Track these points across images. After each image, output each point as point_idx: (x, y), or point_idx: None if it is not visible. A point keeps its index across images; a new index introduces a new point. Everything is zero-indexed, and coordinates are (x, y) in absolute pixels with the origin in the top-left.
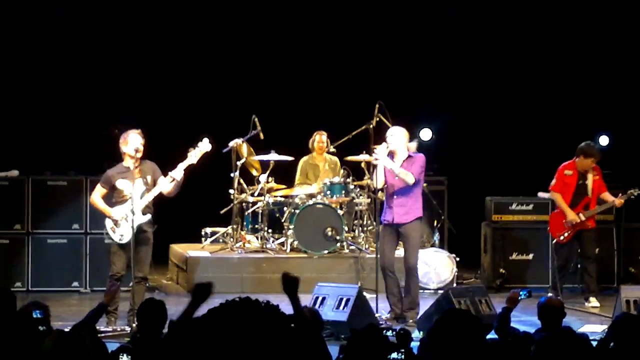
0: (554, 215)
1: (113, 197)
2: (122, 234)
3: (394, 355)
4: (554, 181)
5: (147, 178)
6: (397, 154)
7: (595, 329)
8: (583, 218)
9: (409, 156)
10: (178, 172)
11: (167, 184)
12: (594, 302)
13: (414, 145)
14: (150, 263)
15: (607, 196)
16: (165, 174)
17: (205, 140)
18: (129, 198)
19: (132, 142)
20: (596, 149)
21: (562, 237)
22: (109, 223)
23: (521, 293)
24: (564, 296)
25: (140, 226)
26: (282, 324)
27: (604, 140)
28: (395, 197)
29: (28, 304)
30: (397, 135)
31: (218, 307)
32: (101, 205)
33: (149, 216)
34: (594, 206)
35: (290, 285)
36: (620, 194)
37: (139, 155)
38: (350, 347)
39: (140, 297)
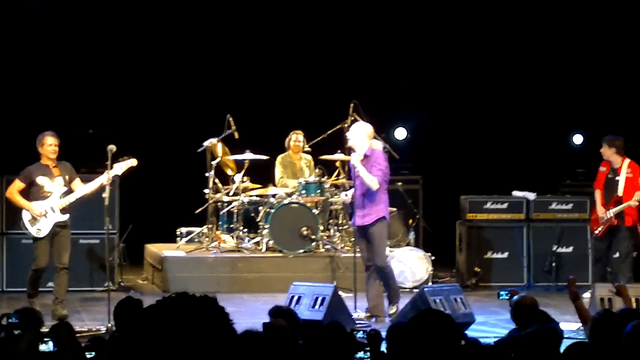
0: (593, 210)
1: (31, 193)
2: (39, 228)
3: (360, 354)
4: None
5: (65, 178)
6: (356, 151)
7: (570, 327)
8: (610, 215)
9: (366, 155)
10: (107, 180)
11: (85, 189)
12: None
13: (379, 143)
14: (70, 253)
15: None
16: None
17: (132, 159)
18: (48, 195)
19: (47, 143)
20: (613, 137)
21: (596, 232)
22: (26, 216)
23: (501, 293)
24: (538, 295)
25: (59, 222)
26: (218, 316)
27: (578, 139)
28: (356, 200)
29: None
30: (356, 132)
31: (155, 304)
32: (20, 200)
33: (67, 215)
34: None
35: None
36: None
37: (55, 155)
38: (314, 343)
39: (64, 287)
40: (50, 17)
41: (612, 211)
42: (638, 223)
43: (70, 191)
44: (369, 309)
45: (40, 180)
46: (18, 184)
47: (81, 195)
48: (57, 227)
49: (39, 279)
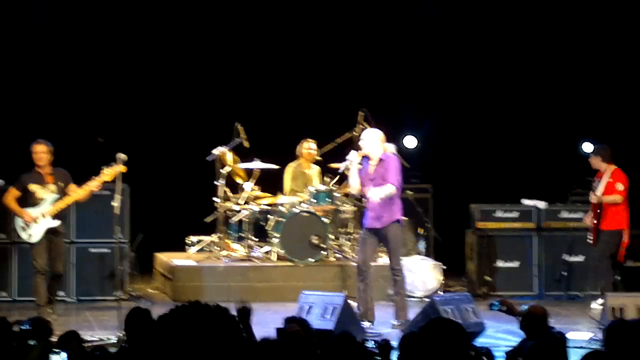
0: None
1: (27, 199)
2: (30, 233)
3: None
4: None
5: (60, 184)
6: (371, 157)
7: (581, 336)
8: (586, 220)
9: (381, 160)
10: (96, 186)
11: (79, 194)
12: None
13: (392, 147)
14: (64, 260)
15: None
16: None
17: (120, 158)
18: (40, 201)
19: (34, 152)
20: (600, 146)
21: (589, 240)
22: (18, 222)
23: (494, 303)
24: (548, 304)
25: (52, 227)
26: (231, 326)
27: (587, 148)
28: (370, 203)
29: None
30: (369, 138)
31: (168, 312)
32: (14, 206)
33: (59, 221)
34: (605, 209)
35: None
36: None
37: (42, 163)
38: (325, 353)
39: (54, 289)
40: (58, 23)
41: (590, 216)
42: (626, 228)
43: (65, 197)
44: (361, 314)
45: (33, 187)
46: (14, 192)
47: (72, 201)
48: (50, 234)
49: (43, 283)
